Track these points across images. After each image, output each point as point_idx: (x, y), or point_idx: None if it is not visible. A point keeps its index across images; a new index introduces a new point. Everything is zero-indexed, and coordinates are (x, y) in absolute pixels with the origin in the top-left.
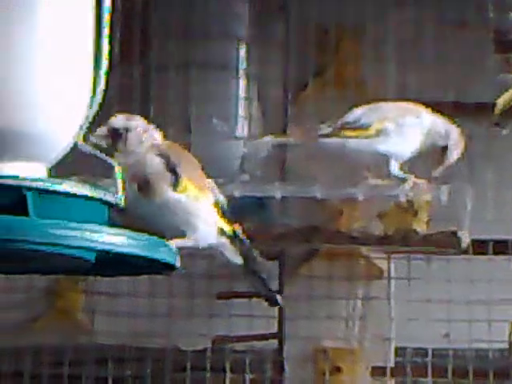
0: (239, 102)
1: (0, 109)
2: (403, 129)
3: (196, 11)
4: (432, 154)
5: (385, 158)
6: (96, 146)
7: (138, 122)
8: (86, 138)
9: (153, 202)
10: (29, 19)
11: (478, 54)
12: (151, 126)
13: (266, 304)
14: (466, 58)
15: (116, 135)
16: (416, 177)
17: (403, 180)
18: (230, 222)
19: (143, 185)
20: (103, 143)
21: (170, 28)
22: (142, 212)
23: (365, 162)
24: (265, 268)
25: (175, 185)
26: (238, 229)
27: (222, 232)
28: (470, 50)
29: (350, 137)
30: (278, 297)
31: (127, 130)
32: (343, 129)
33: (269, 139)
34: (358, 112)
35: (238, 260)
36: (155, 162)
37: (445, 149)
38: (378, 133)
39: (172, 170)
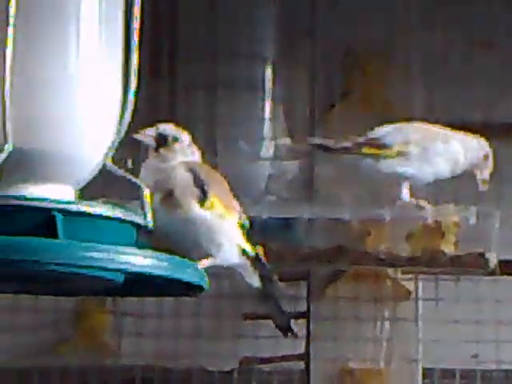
0: (265, 123)
1: (30, 131)
2: (428, 154)
3: (223, 31)
4: (474, 171)
5: (400, 181)
6: (125, 169)
7: (186, 136)
8: (114, 159)
9: (176, 215)
10: (60, 45)
11: (506, 74)
12: (193, 144)
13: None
14: (493, 78)
15: (162, 140)
16: (428, 202)
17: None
18: (253, 243)
19: (167, 196)
20: (148, 142)
21: (196, 48)
22: (161, 224)
23: (381, 182)
24: (282, 293)
25: (202, 201)
26: (261, 251)
27: (244, 253)
28: (498, 70)
29: (369, 154)
30: (293, 323)
31: (175, 138)
32: (364, 145)
33: (296, 161)
34: (382, 130)
35: (256, 283)
36: (184, 177)
37: (485, 159)
38: (399, 154)
39: (200, 186)
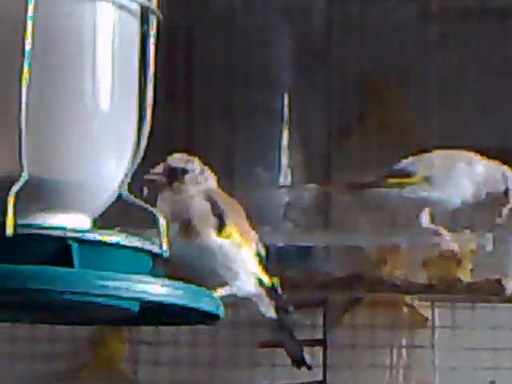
0: (282, 150)
1: (46, 160)
2: (451, 175)
3: (239, 58)
4: (491, 202)
5: (424, 206)
6: (141, 198)
7: (195, 164)
8: (130, 188)
9: (194, 243)
10: (76, 76)
11: None
12: (206, 169)
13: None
14: (509, 103)
15: (173, 174)
16: (447, 229)
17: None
18: (270, 273)
19: (185, 226)
20: (160, 180)
21: (212, 75)
22: (179, 253)
23: (405, 208)
24: (298, 324)
25: (220, 230)
26: (277, 281)
27: (260, 283)
28: None
29: (394, 184)
30: (306, 355)
31: (184, 171)
32: (390, 177)
33: (313, 186)
34: (405, 162)
35: (271, 313)
36: (202, 205)
37: (505, 193)
38: (424, 180)
39: (218, 214)
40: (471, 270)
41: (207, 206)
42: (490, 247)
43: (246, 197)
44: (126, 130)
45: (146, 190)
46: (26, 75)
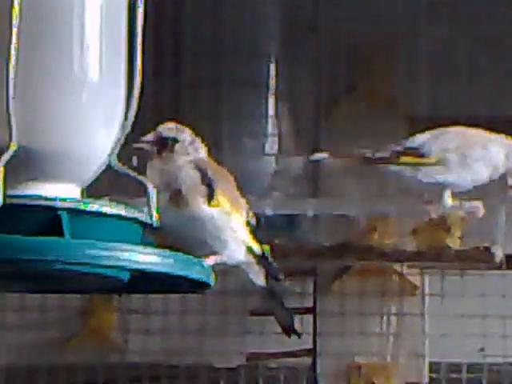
0: (269, 120)
1: (35, 131)
2: (467, 161)
3: (227, 29)
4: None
5: (441, 188)
6: (130, 167)
7: (185, 134)
8: (119, 157)
9: (183, 213)
10: (65, 47)
11: (509, 70)
12: (197, 139)
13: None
14: (498, 72)
15: (163, 143)
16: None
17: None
18: (260, 241)
19: (175, 195)
20: (149, 149)
21: (201, 45)
22: (169, 222)
23: (420, 190)
24: (288, 292)
25: (209, 199)
26: (267, 249)
27: (250, 251)
28: (503, 65)
29: (409, 163)
30: (296, 323)
31: (175, 140)
32: (403, 154)
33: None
34: (420, 138)
35: (261, 281)
36: (191, 175)
37: None
38: (439, 162)
39: (208, 184)
40: (460, 238)
41: (197, 175)
42: (479, 215)
43: (234, 166)
44: (115, 100)
45: (135, 160)
46: (13, 46)
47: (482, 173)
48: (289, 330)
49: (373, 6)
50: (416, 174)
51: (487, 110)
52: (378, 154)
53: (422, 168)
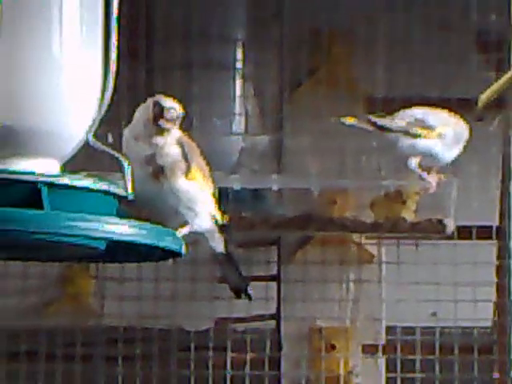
0: (236, 100)
1: (15, 108)
2: (458, 137)
3: (197, 14)
4: None
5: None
6: (106, 143)
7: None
8: (96, 135)
9: (163, 187)
10: (44, 26)
11: (462, 54)
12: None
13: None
14: (450, 57)
15: (160, 112)
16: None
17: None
18: (223, 212)
19: (158, 171)
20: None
21: (172, 31)
22: (148, 194)
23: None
24: (241, 260)
25: (187, 173)
26: (228, 220)
27: (214, 221)
28: (455, 50)
29: (421, 135)
30: (250, 289)
31: (174, 111)
32: (415, 126)
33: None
34: (420, 111)
35: (221, 249)
36: (174, 151)
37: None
38: (439, 136)
39: (185, 158)
40: (415, 211)
41: (178, 151)
42: (433, 188)
43: (204, 144)
44: (92, 80)
45: (110, 137)
46: None
47: (456, 154)
48: (240, 293)
49: None
50: (413, 143)
51: (439, 92)
52: (397, 125)
53: (418, 138)
